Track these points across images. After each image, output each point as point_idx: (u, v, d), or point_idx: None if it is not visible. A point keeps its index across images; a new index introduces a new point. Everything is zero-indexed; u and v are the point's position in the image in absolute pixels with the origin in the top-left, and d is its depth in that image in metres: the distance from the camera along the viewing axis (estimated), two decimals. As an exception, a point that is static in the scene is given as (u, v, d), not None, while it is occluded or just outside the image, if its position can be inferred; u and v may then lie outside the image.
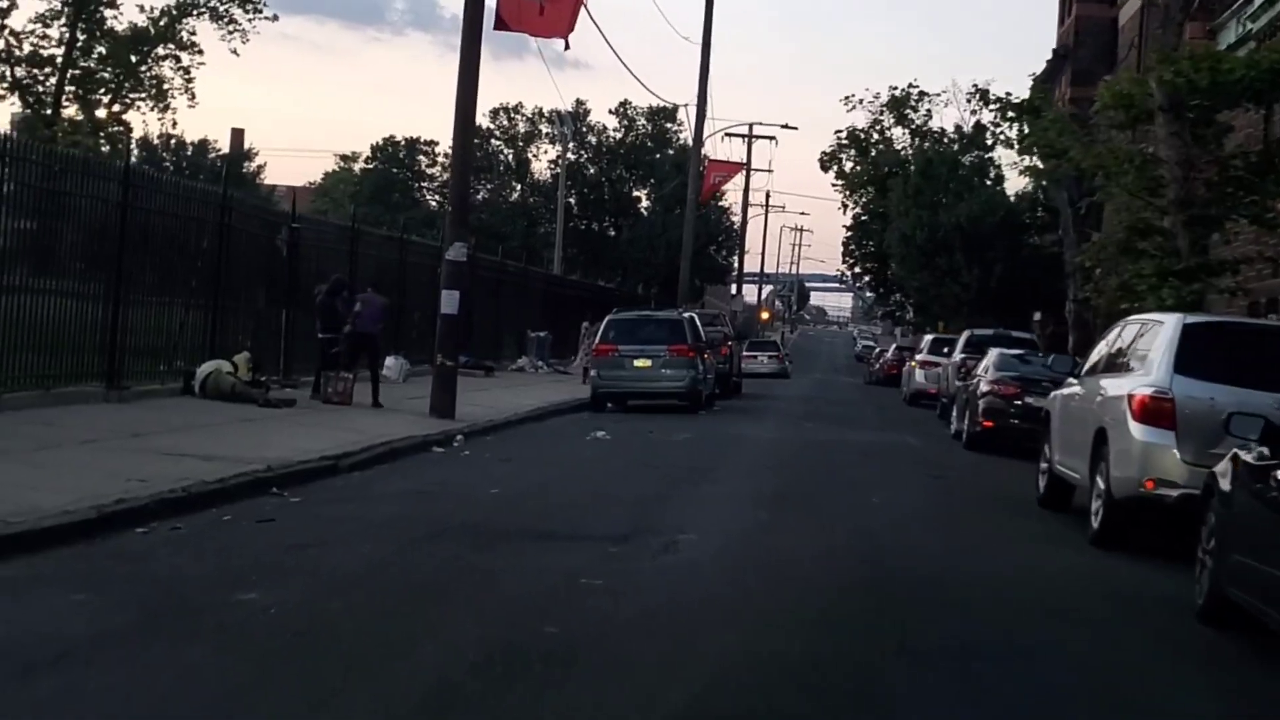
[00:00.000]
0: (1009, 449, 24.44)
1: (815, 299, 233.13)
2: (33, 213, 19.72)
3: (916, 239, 55.49)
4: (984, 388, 25.06)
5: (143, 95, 67.87)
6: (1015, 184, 61.52)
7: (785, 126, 61.41)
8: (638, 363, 31.46)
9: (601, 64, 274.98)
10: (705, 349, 33.89)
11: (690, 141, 61.02)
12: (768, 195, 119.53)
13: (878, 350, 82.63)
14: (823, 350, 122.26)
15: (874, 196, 77.73)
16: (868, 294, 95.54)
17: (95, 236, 21.29)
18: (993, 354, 26.77)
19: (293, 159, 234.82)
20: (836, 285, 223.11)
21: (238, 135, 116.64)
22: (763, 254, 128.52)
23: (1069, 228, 40.71)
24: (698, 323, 34.32)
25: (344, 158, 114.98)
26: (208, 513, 12.37)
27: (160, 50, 67.20)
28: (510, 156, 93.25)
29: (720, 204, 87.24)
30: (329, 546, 10.79)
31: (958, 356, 33.75)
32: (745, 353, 56.53)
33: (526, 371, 43.92)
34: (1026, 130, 32.93)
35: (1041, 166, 33.07)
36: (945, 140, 69.76)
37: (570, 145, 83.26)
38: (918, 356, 44.10)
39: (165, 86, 67.47)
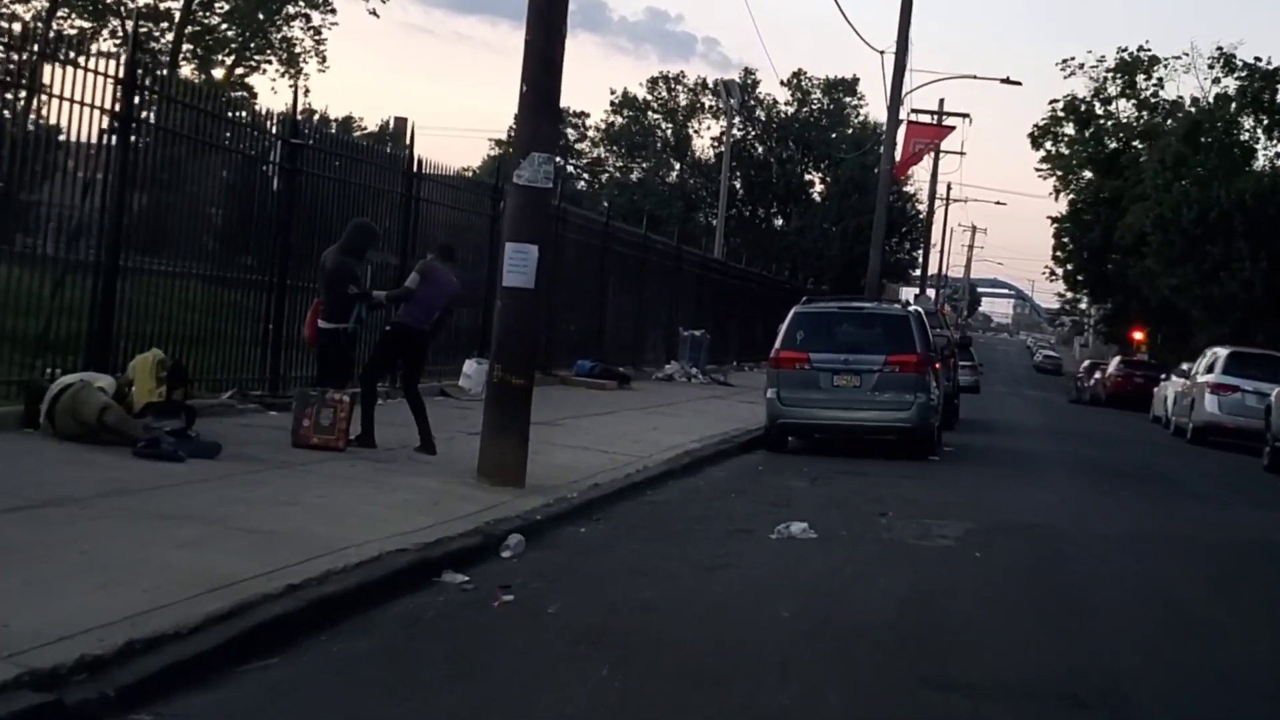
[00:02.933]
0: None
1: (982, 305, 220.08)
2: None
3: (1180, 221, 43.00)
4: None
5: (268, 58, 61.14)
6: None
7: (1006, 81, 49.33)
8: (839, 380, 20.26)
9: (770, 68, 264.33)
10: (937, 360, 22.64)
11: (876, 116, 50.11)
12: (949, 186, 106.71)
13: (1088, 363, 70.02)
14: (998, 359, 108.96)
15: (1094, 179, 65.61)
16: (1074, 295, 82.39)
17: None
18: None
19: (453, 143, 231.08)
20: (1006, 291, 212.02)
21: (401, 122, 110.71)
22: (942, 251, 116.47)
23: None
24: (925, 321, 22.86)
25: (498, 143, 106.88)
26: None
27: (290, 9, 59.94)
28: (669, 132, 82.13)
29: (906, 188, 75.51)
30: None
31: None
32: (949, 365, 44.56)
33: (676, 381, 32.84)
34: None
35: None
36: (1180, 115, 57.60)
37: (736, 120, 72.13)
38: (1207, 377, 32.03)
39: (296, 50, 60.68)
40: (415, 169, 20.17)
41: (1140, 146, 62.40)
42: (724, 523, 12.65)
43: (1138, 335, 67.43)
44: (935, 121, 58.11)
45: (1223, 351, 32.98)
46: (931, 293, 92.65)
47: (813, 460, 19.16)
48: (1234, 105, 48.99)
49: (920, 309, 24.09)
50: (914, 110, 67.30)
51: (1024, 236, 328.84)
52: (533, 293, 12.47)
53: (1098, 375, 58.51)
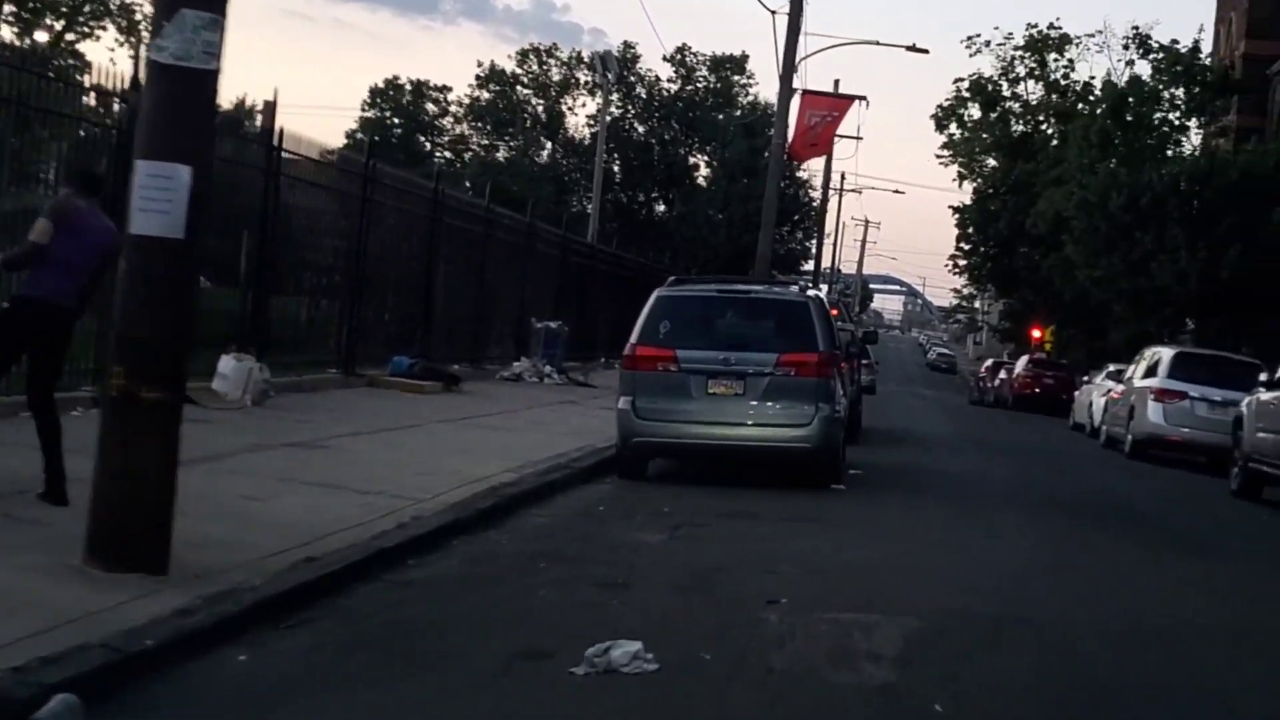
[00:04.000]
0: None
1: (874, 301, 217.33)
2: None
3: (1108, 206, 38.35)
4: None
5: (104, 24, 57.54)
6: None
7: (912, 49, 44.55)
8: (716, 386, 15.14)
9: (657, 42, 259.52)
10: (843, 360, 17.72)
11: (767, 96, 45.06)
12: (843, 176, 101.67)
13: (990, 362, 65.74)
14: (890, 357, 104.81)
15: (1000, 165, 61.36)
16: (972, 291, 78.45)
17: None
18: None
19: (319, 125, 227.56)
20: (897, 287, 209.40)
21: (270, 106, 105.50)
22: (835, 243, 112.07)
23: None
24: (828, 309, 17.80)
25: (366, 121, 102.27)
26: None
27: (126, -30, 56.90)
28: (540, 109, 76.71)
29: (800, 173, 70.70)
30: None
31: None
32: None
33: (526, 381, 27.55)
34: None
35: None
36: (1092, 97, 53.47)
37: (613, 96, 66.82)
38: (1149, 381, 27.23)
39: (136, 17, 56.14)
40: (128, 94, 14.50)
41: (1049, 131, 58.22)
42: (506, 631, 7.46)
43: (1036, 333, 63.48)
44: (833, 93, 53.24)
45: (1167, 352, 28.23)
46: (824, 288, 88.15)
47: (678, 492, 14.10)
48: (1164, 79, 44.47)
49: (821, 295, 19.04)
50: (807, 91, 62.71)
51: (917, 232, 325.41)
52: (182, 245, 7.19)
53: (1003, 375, 54.14)
